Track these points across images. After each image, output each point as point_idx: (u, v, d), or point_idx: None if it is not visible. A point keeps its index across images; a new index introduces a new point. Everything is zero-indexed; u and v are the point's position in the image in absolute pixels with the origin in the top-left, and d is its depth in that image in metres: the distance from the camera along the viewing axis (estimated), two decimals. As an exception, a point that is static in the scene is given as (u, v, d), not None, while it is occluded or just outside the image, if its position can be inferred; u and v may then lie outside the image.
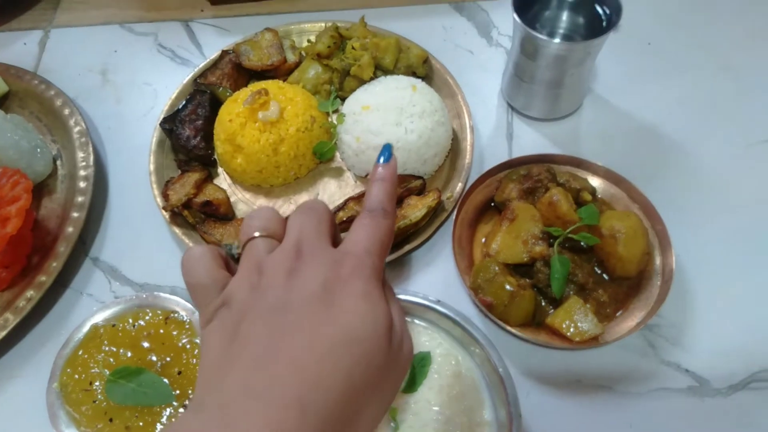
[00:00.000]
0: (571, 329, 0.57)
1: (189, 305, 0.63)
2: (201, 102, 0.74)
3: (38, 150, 0.73)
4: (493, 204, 0.67)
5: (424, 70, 0.76)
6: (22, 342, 0.65)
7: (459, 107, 0.74)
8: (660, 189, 0.65)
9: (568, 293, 0.59)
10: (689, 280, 0.64)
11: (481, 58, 0.82)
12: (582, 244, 0.60)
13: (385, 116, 0.67)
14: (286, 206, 0.72)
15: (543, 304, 0.60)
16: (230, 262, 0.37)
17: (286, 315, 0.31)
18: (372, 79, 0.74)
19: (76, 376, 0.59)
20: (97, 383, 0.59)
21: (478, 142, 0.73)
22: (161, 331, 0.61)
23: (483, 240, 0.66)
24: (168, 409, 0.57)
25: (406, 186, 0.67)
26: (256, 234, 0.35)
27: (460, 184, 0.68)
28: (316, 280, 0.32)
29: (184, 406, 0.57)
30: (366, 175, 0.71)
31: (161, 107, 0.77)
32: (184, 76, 0.78)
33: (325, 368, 0.29)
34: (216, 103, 0.74)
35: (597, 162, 0.66)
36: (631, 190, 0.64)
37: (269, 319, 0.31)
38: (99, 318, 0.63)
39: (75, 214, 0.69)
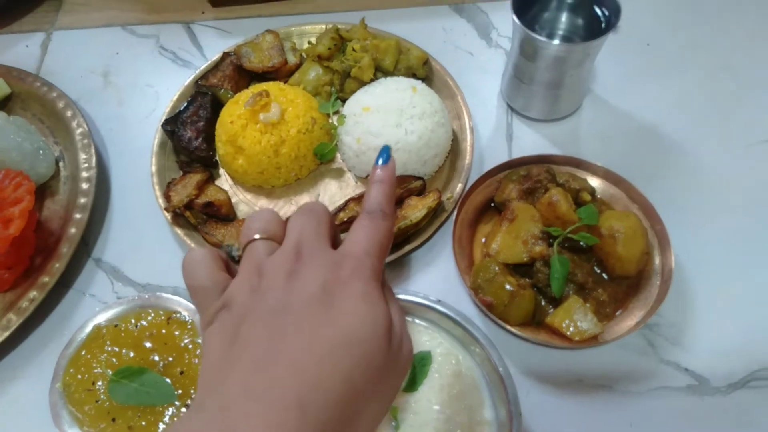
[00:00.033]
0: (571, 328, 0.57)
1: (191, 305, 0.63)
2: (202, 104, 0.74)
3: (41, 152, 0.74)
4: (493, 204, 0.67)
5: (424, 71, 0.77)
6: (25, 342, 0.66)
7: (459, 108, 0.74)
8: (659, 189, 0.66)
9: (567, 293, 0.60)
10: (689, 280, 0.64)
11: (480, 60, 0.83)
12: (581, 244, 0.60)
13: (386, 117, 0.68)
14: (287, 207, 0.72)
15: (543, 303, 0.61)
16: (231, 264, 0.37)
17: (286, 317, 0.31)
18: (372, 80, 0.74)
19: (79, 376, 0.60)
20: (99, 383, 0.59)
21: (477, 142, 0.74)
22: (163, 331, 0.62)
23: (483, 240, 0.66)
24: (170, 409, 0.58)
25: (407, 186, 0.67)
26: (256, 236, 0.35)
27: (460, 185, 0.69)
28: (315, 282, 0.32)
29: (187, 406, 0.58)
30: (366, 176, 0.71)
31: (163, 109, 0.77)
32: (185, 78, 0.79)
33: (325, 370, 0.29)
34: (217, 105, 0.75)
35: (596, 162, 0.66)
36: (630, 190, 0.65)
37: (269, 321, 0.31)
38: (102, 318, 0.63)
39: (77, 216, 0.69)
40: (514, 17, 0.64)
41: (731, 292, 0.63)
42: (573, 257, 0.60)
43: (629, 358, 0.60)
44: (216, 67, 0.78)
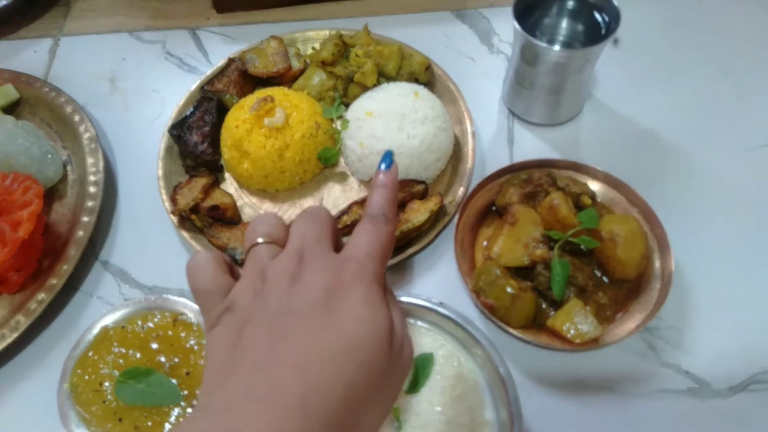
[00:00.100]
0: (572, 331, 0.57)
1: (197, 307, 0.63)
2: (208, 109, 0.75)
3: (49, 156, 0.74)
4: (494, 208, 0.68)
5: (426, 76, 0.77)
6: (34, 344, 0.67)
7: (461, 113, 0.74)
8: (659, 193, 0.66)
9: (568, 296, 0.60)
10: (689, 283, 0.64)
11: (482, 65, 0.83)
12: (582, 247, 0.61)
13: (388, 122, 0.68)
14: (291, 210, 0.73)
15: (544, 306, 0.61)
16: (234, 268, 0.38)
17: (288, 320, 0.31)
18: (375, 85, 0.75)
19: (87, 377, 0.60)
20: (106, 384, 0.60)
21: (479, 147, 0.74)
22: (170, 332, 0.62)
23: (484, 243, 0.66)
24: (176, 409, 0.58)
25: (409, 190, 0.68)
26: (260, 240, 0.36)
27: (461, 189, 0.69)
28: (318, 286, 0.32)
29: (192, 406, 0.58)
30: (369, 180, 0.72)
31: (169, 114, 0.78)
32: (191, 84, 0.80)
33: (327, 372, 0.30)
34: (223, 110, 0.76)
35: (596, 166, 0.67)
36: (630, 194, 0.65)
37: (272, 324, 0.31)
38: (109, 320, 0.64)
39: (85, 219, 0.70)
40: (515, 23, 0.64)
41: (731, 296, 0.63)
42: (573, 260, 0.61)
43: (630, 360, 0.61)
44: (221, 72, 0.79)
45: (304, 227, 0.36)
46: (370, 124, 0.69)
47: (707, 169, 0.72)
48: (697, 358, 0.60)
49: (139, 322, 0.63)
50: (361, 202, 0.69)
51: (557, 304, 0.60)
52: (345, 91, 0.77)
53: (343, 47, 0.79)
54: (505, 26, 0.86)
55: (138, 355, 0.61)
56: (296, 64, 0.80)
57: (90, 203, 0.71)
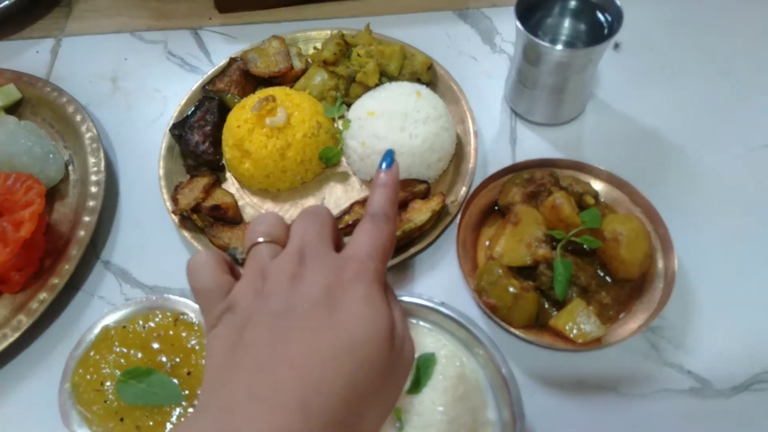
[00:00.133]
0: (574, 331, 0.57)
1: (198, 307, 0.63)
2: (209, 108, 0.75)
3: (51, 156, 0.75)
4: (496, 208, 0.68)
5: (428, 76, 0.77)
6: (35, 343, 0.67)
7: (463, 113, 0.74)
8: (662, 193, 0.66)
9: (570, 295, 0.60)
10: (691, 283, 0.64)
11: (484, 65, 0.83)
12: (585, 247, 0.61)
13: (390, 122, 0.68)
14: (292, 210, 0.73)
15: (546, 306, 0.61)
16: (235, 267, 0.37)
17: (289, 320, 0.31)
18: (377, 85, 0.75)
19: (88, 377, 0.60)
20: (108, 383, 0.60)
21: (481, 146, 0.74)
22: (171, 332, 0.62)
23: (487, 243, 0.66)
24: (177, 409, 0.58)
25: (411, 190, 0.68)
26: (260, 239, 0.36)
27: (464, 188, 0.69)
28: (318, 285, 0.32)
29: (194, 406, 0.58)
30: (371, 180, 0.72)
31: (171, 113, 0.78)
32: (192, 83, 0.80)
33: (328, 373, 0.30)
34: (224, 110, 0.76)
35: (599, 166, 0.67)
36: (633, 193, 0.65)
37: (273, 324, 0.31)
38: (110, 320, 0.64)
39: (86, 218, 0.70)
40: (518, 23, 0.64)
41: (734, 295, 0.63)
42: (576, 260, 0.60)
43: (632, 360, 0.61)
44: (223, 72, 0.79)
45: (304, 226, 0.36)
46: (372, 123, 0.69)
47: (710, 169, 0.72)
48: (700, 357, 0.60)
49: (141, 322, 0.63)
50: (363, 202, 0.69)
51: (560, 304, 0.60)
52: (347, 90, 0.77)
53: (344, 47, 0.79)
54: (508, 26, 0.86)
55: (139, 355, 0.61)
56: (298, 64, 0.80)
57: (91, 203, 0.71)
